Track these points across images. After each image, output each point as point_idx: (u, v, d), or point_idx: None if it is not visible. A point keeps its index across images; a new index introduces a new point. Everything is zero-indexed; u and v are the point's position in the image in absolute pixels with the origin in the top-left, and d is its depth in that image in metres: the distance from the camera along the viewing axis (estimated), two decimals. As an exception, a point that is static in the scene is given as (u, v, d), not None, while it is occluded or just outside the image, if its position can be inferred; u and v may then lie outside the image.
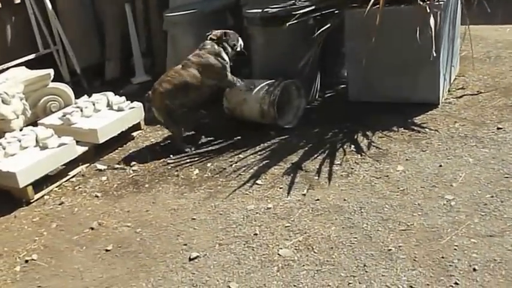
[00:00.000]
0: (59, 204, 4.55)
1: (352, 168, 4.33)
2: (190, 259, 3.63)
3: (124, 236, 3.99)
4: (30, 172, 4.60)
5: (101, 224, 4.17)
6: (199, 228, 3.94)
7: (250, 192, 4.24)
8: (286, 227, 3.81)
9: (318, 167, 4.45)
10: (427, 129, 4.72)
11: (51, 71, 5.94)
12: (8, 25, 7.01)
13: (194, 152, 5.12)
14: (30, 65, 6.45)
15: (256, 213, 4.01)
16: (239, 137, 5.22)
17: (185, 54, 6.00)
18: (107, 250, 3.86)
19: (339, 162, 4.46)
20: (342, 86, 5.99)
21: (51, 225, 4.29)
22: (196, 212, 4.15)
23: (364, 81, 5.36)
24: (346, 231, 3.64)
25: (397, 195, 3.94)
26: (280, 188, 4.23)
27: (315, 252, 3.49)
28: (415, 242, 3.44)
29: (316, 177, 4.30)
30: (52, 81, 6.05)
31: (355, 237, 3.56)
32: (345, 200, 4.00)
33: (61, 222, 4.30)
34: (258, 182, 4.38)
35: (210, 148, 5.12)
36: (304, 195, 4.11)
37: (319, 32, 5.05)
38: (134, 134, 5.51)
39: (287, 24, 5.09)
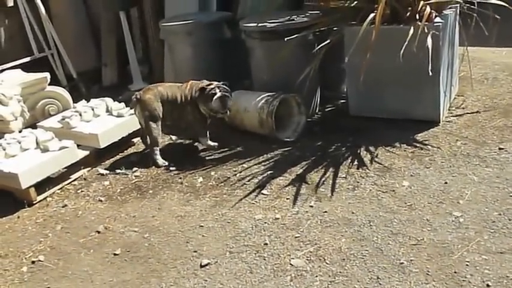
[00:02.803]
0: (62, 207, 4.53)
1: (358, 182, 4.35)
2: (201, 266, 3.63)
3: (132, 241, 3.98)
4: (33, 174, 4.58)
5: (107, 228, 4.15)
6: (208, 236, 3.94)
7: (256, 202, 4.25)
8: (296, 237, 3.82)
9: (323, 179, 4.48)
10: (429, 147, 4.77)
11: (47, 75, 5.95)
12: (1, 28, 6.95)
13: (207, 157, 5.15)
14: (26, 68, 6.45)
15: (265, 223, 4.01)
16: (241, 148, 5.18)
17: (183, 64, 6.18)
18: (115, 254, 3.84)
19: (343, 176, 4.47)
20: (342, 101, 6.04)
21: (55, 227, 4.26)
22: (203, 220, 4.14)
23: (364, 97, 5.41)
24: (356, 244, 3.64)
25: (405, 210, 3.96)
26: (287, 198, 4.25)
27: (327, 263, 3.50)
28: (427, 256, 3.46)
29: (322, 190, 4.33)
30: (49, 85, 6.03)
31: (367, 250, 3.57)
32: (353, 212, 4.01)
33: (66, 224, 4.28)
34: (264, 192, 4.39)
35: (212, 157, 5.09)
36: (311, 206, 4.14)
37: (318, 47, 5.03)
38: (134, 140, 5.48)
39: (286, 39, 5.10)
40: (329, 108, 5.96)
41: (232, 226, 4.04)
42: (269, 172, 4.69)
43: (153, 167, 5.04)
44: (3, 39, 7.12)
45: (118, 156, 5.40)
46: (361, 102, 5.47)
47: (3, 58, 6.76)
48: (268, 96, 5.14)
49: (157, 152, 5.16)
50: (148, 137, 5.20)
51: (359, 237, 3.74)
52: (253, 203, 4.25)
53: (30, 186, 4.54)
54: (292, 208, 4.16)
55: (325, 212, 4.08)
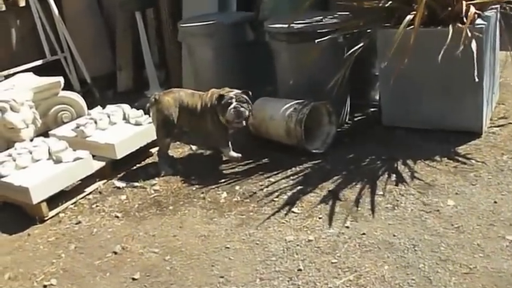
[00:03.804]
0: (76, 224, 4.20)
1: (397, 200, 4.00)
2: (230, 294, 3.18)
3: (152, 264, 3.65)
4: (45, 188, 4.27)
5: (125, 248, 3.81)
6: (235, 259, 3.60)
7: (286, 221, 3.91)
8: (332, 263, 3.47)
9: (358, 196, 4.11)
10: (473, 161, 4.42)
11: (61, 79, 5.62)
12: (13, 28, 6.67)
13: (228, 171, 4.79)
14: (37, 72, 6.12)
15: (297, 245, 3.68)
16: (267, 159, 4.81)
17: (202, 68, 5.85)
18: (133, 279, 3.53)
19: (381, 193, 4.12)
20: (373, 109, 5.70)
21: (69, 247, 3.94)
22: (229, 240, 3.81)
23: (399, 106, 5.06)
24: (401, 272, 3.31)
25: (452, 232, 3.61)
26: (320, 218, 3.90)
27: (370, 294, 3.07)
28: (481, 287, 3.10)
29: (358, 208, 3.99)
30: (62, 90, 5.72)
31: (413, 279, 3.25)
32: (394, 235, 3.67)
33: (80, 243, 3.94)
34: (294, 209, 4.06)
35: (236, 169, 4.72)
36: (347, 227, 3.79)
37: (351, 51, 4.65)
38: (152, 150, 5.10)
39: (316, 41, 4.72)
40: (359, 117, 5.61)
41: (262, 248, 3.69)
42: (299, 187, 4.32)
43: (174, 180, 4.60)
44: (15, 41, 6.80)
45: (135, 167, 5.00)
46: (395, 111, 5.12)
47: (14, 61, 6.47)
48: (296, 103, 4.79)
49: (163, 160, 4.90)
50: (157, 143, 4.93)
51: (403, 264, 3.38)
52: (283, 222, 3.88)
53: (42, 201, 4.20)
54: (327, 229, 3.82)
55: (363, 234, 3.72)
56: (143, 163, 5.13)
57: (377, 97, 5.68)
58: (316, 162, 4.71)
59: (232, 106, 4.57)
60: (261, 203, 4.20)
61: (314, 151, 4.83)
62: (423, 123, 4.98)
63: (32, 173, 4.34)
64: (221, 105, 4.62)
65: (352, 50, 4.67)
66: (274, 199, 4.21)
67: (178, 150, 5.25)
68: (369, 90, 5.87)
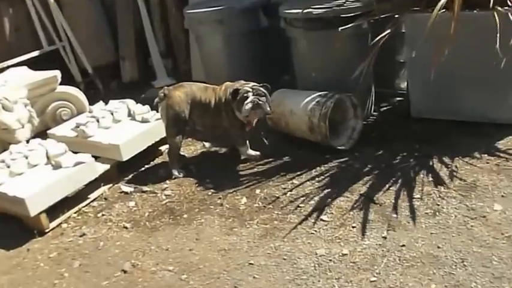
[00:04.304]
0: (80, 236, 3.78)
1: (438, 205, 3.57)
2: (257, 323, 2.76)
3: (167, 284, 3.27)
4: (43, 197, 3.85)
5: (135, 266, 3.40)
6: (260, 277, 3.21)
7: (315, 230, 3.49)
8: (372, 282, 3.06)
9: (393, 200, 3.71)
10: (517, 158, 3.85)
11: (58, 73, 5.19)
12: (6, 18, 6.20)
13: (245, 172, 4.37)
14: (34, 64, 5.69)
15: (330, 260, 3.27)
16: (288, 158, 4.34)
17: (212, 57, 5.50)
18: (146, 304, 2.98)
19: (418, 196, 3.72)
20: (398, 98, 5.28)
21: (72, 264, 3.53)
22: (253, 255, 3.39)
23: (430, 96, 4.62)
24: (452, 292, 2.79)
25: (504, 243, 3.19)
26: (353, 227, 3.46)
27: (419, 321, 2.65)
28: (547, 312, 2.59)
29: (395, 215, 3.58)
30: (61, 82, 5.32)
31: (467, 302, 2.71)
32: (438, 247, 3.25)
33: (85, 260, 3.52)
34: (324, 217, 3.64)
35: (255, 169, 4.27)
36: (384, 238, 3.38)
37: (378, 37, 4.19)
38: (162, 148, 4.65)
39: (340, 28, 4.27)
40: (384, 108, 5.11)
41: (290, 264, 3.27)
42: (326, 191, 3.89)
43: (186, 183, 4.15)
44: (8, 31, 6.36)
45: (143, 168, 4.57)
46: (426, 102, 4.68)
47: (8, 53, 6.04)
48: (319, 96, 4.34)
49: (174, 161, 4.46)
50: (167, 142, 4.48)
51: (453, 283, 2.96)
52: (312, 233, 3.47)
53: (41, 213, 3.71)
54: (362, 240, 3.40)
55: (403, 245, 3.31)
56: (152, 163, 4.70)
57: (402, 85, 5.30)
58: (342, 160, 4.28)
59: (248, 101, 4.11)
60: (285, 209, 3.76)
61: (339, 148, 4.34)
62: (458, 114, 4.55)
63: (29, 181, 3.93)
64: (236, 100, 4.18)
65: (380, 36, 4.14)
66: (300, 205, 3.78)
67: (190, 148, 4.81)
68: (393, 79, 5.44)
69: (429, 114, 4.69)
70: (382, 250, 3.26)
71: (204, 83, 4.76)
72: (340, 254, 3.28)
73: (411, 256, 3.19)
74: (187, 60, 6.49)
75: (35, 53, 6.28)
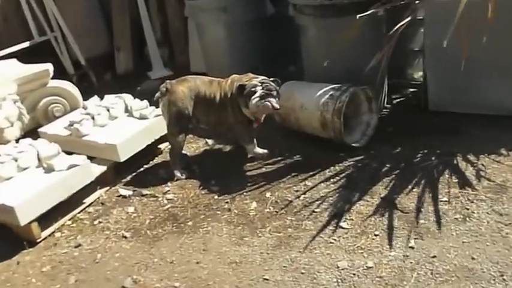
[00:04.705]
0: (75, 247, 3.44)
1: (468, 209, 3.27)
2: None
3: (173, 304, 2.78)
4: (34, 205, 3.50)
5: (137, 282, 3.10)
6: (277, 296, 2.74)
7: (335, 240, 3.15)
8: (403, 300, 2.60)
9: (418, 204, 3.40)
10: (549, 154, 3.55)
11: (49, 66, 4.87)
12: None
13: (252, 173, 4.07)
14: (24, 56, 5.37)
15: (354, 274, 2.95)
16: (299, 156, 3.99)
17: (214, 47, 5.22)
18: (151, 328, 2.64)
19: (445, 199, 3.41)
20: (412, 89, 4.96)
21: (68, 280, 3.22)
22: (267, 269, 3.07)
23: (450, 87, 4.32)
24: (494, 313, 2.47)
25: (545, 253, 2.76)
26: (376, 235, 3.15)
27: None
28: None
29: (421, 221, 3.28)
30: (53, 75, 4.98)
31: (512, 324, 2.40)
32: (473, 258, 2.94)
33: (81, 275, 3.22)
34: (343, 224, 3.31)
35: (264, 169, 3.92)
36: (412, 248, 3.07)
37: (398, 26, 3.90)
38: (161, 146, 4.31)
39: (358, 16, 3.93)
40: (397, 100, 4.76)
41: (310, 279, 2.95)
42: (343, 193, 3.58)
43: (190, 185, 3.81)
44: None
45: (142, 169, 4.22)
46: (445, 94, 4.39)
47: (-4, 43, 5.56)
48: (332, 89, 4.01)
49: (176, 161, 4.12)
50: (169, 141, 4.16)
51: (494, 301, 2.53)
52: (332, 242, 3.13)
53: (32, 221, 3.36)
54: (387, 251, 3.09)
55: (434, 256, 2.99)
56: (151, 163, 4.32)
57: (415, 76, 5.01)
58: (358, 159, 3.95)
59: (256, 96, 3.76)
60: (299, 215, 3.44)
61: (354, 145, 3.99)
62: (480, 107, 4.26)
63: (18, 187, 3.59)
64: (243, 95, 3.81)
65: (400, 24, 3.79)
66: (316, 210, 3.44)
67: (192, 145, 4.47)
68: (406, 68, 5.12)
69: (448, 107, 4.40)
70: (411, 262, 2.95)
71: (204, 74, 4.50)
72: (365, 267, 2.96)
73: (444, 269, 2.89)
74: (186, 50, 6.19)
75: (25, 44, 5.91)
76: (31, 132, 4.62)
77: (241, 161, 4.14)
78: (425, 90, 4.46)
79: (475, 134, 4.06)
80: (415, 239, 3.11)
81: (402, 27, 3.87)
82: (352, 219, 3.32)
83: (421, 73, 4.82)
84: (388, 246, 3.09)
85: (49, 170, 3.66)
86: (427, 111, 4.46)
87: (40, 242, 3.55)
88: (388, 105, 4.69)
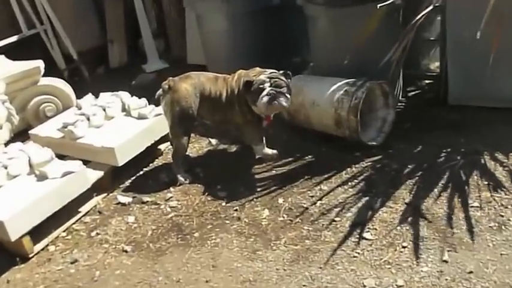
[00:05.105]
0: (71, 263, 3.15)
1: (502, 216, 3.03)
2: None
3: (182, 332, 2.46)
4: (26, 218, 3.17)
5: (141, 305, 2.63)
6: (298, 320, 2.43)
7: (358, 253, 2.86)
8: (441, 325, 2.30)
9: (447, 210, 3.12)
10: None
11: (40, 63, 4.56)
12: (-21, 1, 5.46)
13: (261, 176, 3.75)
14: (12, 51, 5.09)
15: (383, 293, 2.48)
16: (311, 157, 3.66)
17: (215, 39, 4.90)
18: None
19: (477, 205, 3.13)
20: (427, 81, 4.68)
21: (64, 303, 2.73)
22: (285, 288, 2.62)
23: (474, 80, 4.02)
24: None
25: None
26: (404, 247, 2.85)
27: None
28: None
29: (453, 229, 2.98)
30: (43, 76, 4.67)
31: None
32: (516, 273, 2.52)
33: (79, 296, 2.75)
34: (366, 235, 3.00)
35: (274, 172, 3.60)
36: (446, 262, 2.77)
37: (420, 16, 3.62)
38: (162, 147, 3.98)
39: (379, 5, 3.64)
40: (412, 93, 4.42)
41: (333, 301, 2.50)
42: (363, 199, 3.25)
43: (194, 191, 3.49)
44: (-19, 15, 5.58)
45: (142, 172, 3.91)
46: (468, 87, 4.09)
47: (-17, 39, 5.27)
48: (346, 84, 3.71)
49: (180, 164, 3.81)
50: (172, 143, 3.86)
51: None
52: (355, 256, 2.83)
53: (24, 235, 3.06)
54: (417, 265, 2.79)
55: (471, 272, 2.69)
56: (151, 165, 3.97)
57: (431, 67, 4.71)
58: (375, 159, 3.64)
59: (265, 93, 3.46)
60: (317, 224, 3.13)
61: (370, 143, 3.66)
62: (505, 101, 3.98)
63: (8, 197, 3.27)
64: (251, 92, 3.50)
65: (422, 14, 3.49)
66: (335, 219, 3.13)
67: (194, 145, 4.16)
68: (420, 59, 4.81)
69: (469, 101, 4.11)
70: (446, 279, 2.67)
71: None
72: (394, 286, 2.64)
73: (483, 287, 2.52)
74: (183, 42, 5.89)
75: (13, 39, 5.58)
76: (21, 134, 4.29)
77: (249, 162, 3.83)
78: (445, 83, 4.15)
79: (501, 130, 3.79)
80: (449, 251, 2.83)
81: (423, 17, 3.49)
82: (375, 229, 3.00)
83: (437, 64, 4.55)
84: (418, 260, 2.79)
85: (42, 177, 3.34)
86: (447, 104, 4.14)
87: (33, 257, 3.21)
88: (402, 99, 4.34)
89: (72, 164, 3.40)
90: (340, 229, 3.07)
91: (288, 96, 3.48)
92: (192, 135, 4.09)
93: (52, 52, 5.87)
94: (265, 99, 3.42)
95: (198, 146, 4.17)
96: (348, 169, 3.61)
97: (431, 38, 4.55)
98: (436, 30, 4.34)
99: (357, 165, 3.63)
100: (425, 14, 3.55)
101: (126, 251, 3.15)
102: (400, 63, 3.83)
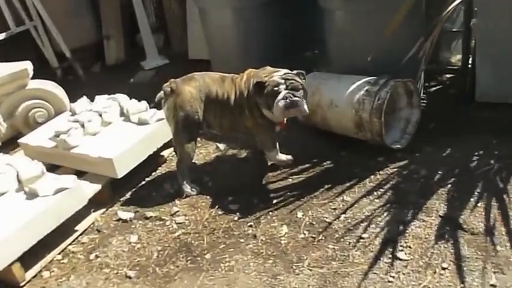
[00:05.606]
0: (69, 292, 2.65)
1: (551, 230, 2.50)
2: None
3: None
4: (14, 243, 2.83)
5: None
6: None
7: (394, 277, 2.56)
8: None
9: (487, 223, 2.80)
10: None
11: (28, 65, 4.23)
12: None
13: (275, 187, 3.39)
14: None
15: (425, 326, 2.14)
16: (329, 163, 3.29)
17: (220, 35, 4.61)
18: None
19: (519, 217, 2.62)
20: (449, 75, 4.41)
21: None
22: (314, 319, 2.28)
23: (502, 76, 3.71)
24: None
25: None
26: (444, 268, 2.57)
27: None
28: None
29: (496, 247, 2.66)
30: (34, 70, 4.32)
31: None
32: None
33: (77, 335, 2.41)
34: (400, 255, 2.69)
35: (290, 181, 3.25)
36: (494, 286, 2.44)
37: (449, 9, 3.26)
38: (165, 153, 3.64)
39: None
40: (434, 88, 4.07)
41: (369, 336, 2.16)
42: (392, 211, 2.92)
43: (203, 203, 3.17)
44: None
45: (144, 183, 3.60)
46: (498, 83, 3.77)
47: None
48: (367, 83, 3.38)
49: (187, 175, 3.46)
50: (177, 151, 3.51)
51: None
52: (390, 281, 2.55)
53: (13, 263, 2.78)
54: (462, 291, 2.27)
55: (522, 298, 2.25)
56: (153, 174, 3.59)
57: (452, 60, 4.42)
58: (401, 164, 3.31)
59: (281, 97, 3.12)
60: (343, 242, 2.79)
61: (394, 147, 3.30)
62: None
63: (-5, 219, 2.78)
64: (264, 95, 3.17)
65: (452, 6, 3.23)
66: (363, 235, 2.80)
67: (201, 151, 3.81)
68: (440, 52, 4.48)
69: (500, 98, 3.78)
70: (497, 308, 2.21)
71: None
72: (439, 317, 2.22)
73: None
74: (183, 36, 5.59)
75: (0, 37, 5.24)
76: (9, 142, 3.91)
77: (261, 169, 3.49)
78: (472, 78, 3.80)
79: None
80: (495, 272, 2.52)
81: (451, 10, 3.14)
82: (410, 247, 2.66)
83: (458, 57, 4.20)
84: (462, 285, 2.40)
85: (32, 195, 2.98)
86: (474, 102, 3.79)
87: (24, 285, 2.82)
88: (423, 96, 3.97)
89: (65, 179, 3.05)
90: (369, 248, 2.73)
91: (305, 99, 3.10)
92: (198, 139, 3.72)
93: (43, 50, 5.58)
94: (282, 103, 3.05)
95: (204, 152, 3.81)
96: (372, 176, 3.25)
97: (454, 30, 4.17)
98: (459, 21, 3.97)
99: (381, 172, 3.28)
100: (454, 7, 3.15)
101: (129, 277, 2.83)
102: (427, 59, 3.42)
